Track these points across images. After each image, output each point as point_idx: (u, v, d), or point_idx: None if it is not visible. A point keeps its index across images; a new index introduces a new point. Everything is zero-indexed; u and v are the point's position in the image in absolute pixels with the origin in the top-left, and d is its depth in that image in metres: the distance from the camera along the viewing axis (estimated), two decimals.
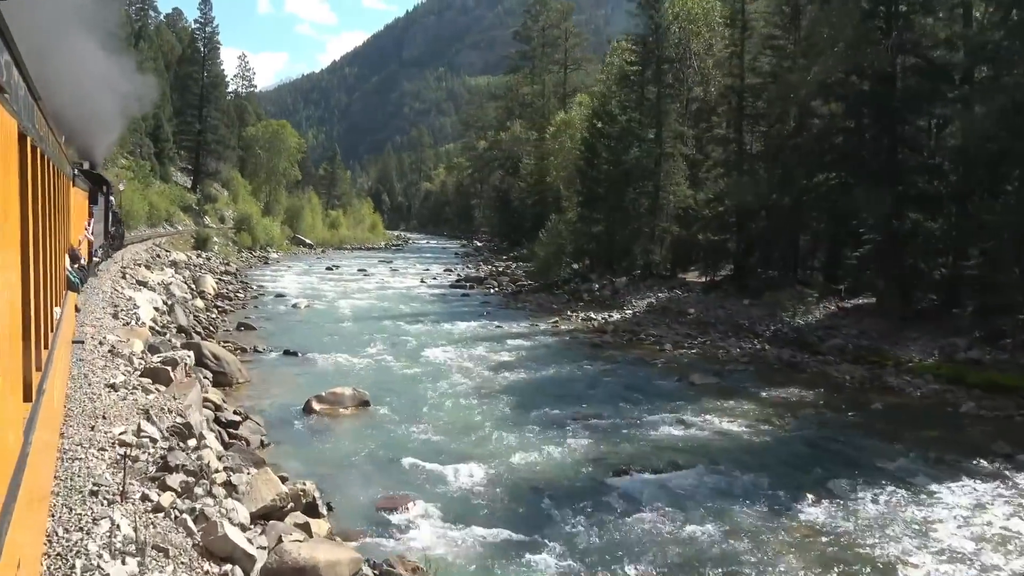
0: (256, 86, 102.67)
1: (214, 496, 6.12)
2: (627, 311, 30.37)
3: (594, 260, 40.11)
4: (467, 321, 27.68)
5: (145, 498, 5.64)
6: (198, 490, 5.97)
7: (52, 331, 5.31)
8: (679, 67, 36.25)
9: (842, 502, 10.62)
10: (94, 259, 19.85)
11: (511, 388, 17.18)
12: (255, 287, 37.57)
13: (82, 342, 11.93)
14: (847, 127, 24.55)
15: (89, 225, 17.51)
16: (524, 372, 19.02)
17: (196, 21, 73.44)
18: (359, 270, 50.56)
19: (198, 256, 44.76)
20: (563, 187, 50.96)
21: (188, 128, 67.92)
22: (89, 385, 9.13)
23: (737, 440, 13.56)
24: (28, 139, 3.48)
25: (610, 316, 29.20)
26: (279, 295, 34.24)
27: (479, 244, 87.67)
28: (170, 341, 16.19)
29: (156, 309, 20.12)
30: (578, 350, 22.85)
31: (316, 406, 14.09)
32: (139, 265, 28.87)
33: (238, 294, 33.62)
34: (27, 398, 3.54)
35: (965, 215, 22.84)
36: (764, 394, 17.28)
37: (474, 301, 35.07)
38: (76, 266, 9.57)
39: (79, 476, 5.83)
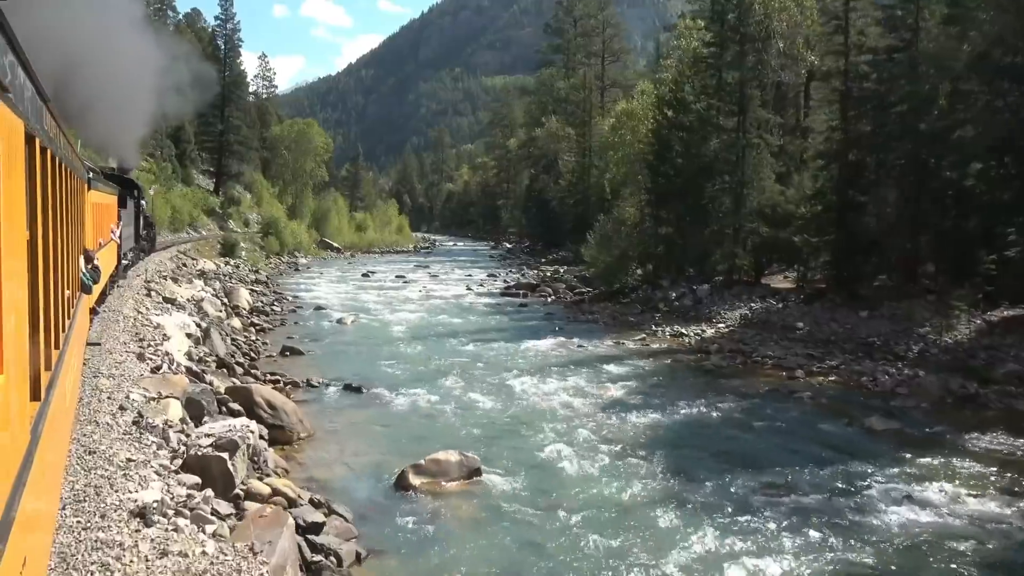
0: (276, 87, 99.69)
1: None
2: (719, 324, 26.44)
3: (659, 264, 36.12)
4: (540, 339, 23.90)
5: None
6: None
7: (63, 331, 5.13)
8: (760, 47, 32.18)
9: None
10: (122, 262, 19.37)
11: (645, 441, 13.34)
12: (290, 298, 34.05)
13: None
14: (1006, 106, 20.45)
15: (117, 228, 16.71)
16: (647, 414, 15.15)
17: (217, 18, 70.67)
18: (397, 276, 46.92)
19: (226, 264, 41.32)
20: (615, 185, 46.91)
21: (210, 129, 64.68)
22: (102, 516, 5.39)
23: (1010, 531, 9.64)
24: (36, 140, 3.43)
25: (703, 331, 25.28)
26: (319, 307, 30.64)
27: (509, 246, 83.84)
28: (211, 384, 12.55)
29: (189, 336, 16.54)
30: (690, 378, 19.00)
31: (414, 480, 10.35)
32: (165, 277, 25.38)
33: (274, 307, 30.09)
34: (35, 397, 3.49)
35: None
36: (970, 445, 13.37)
37: (535, 313, 31.28)
38: (90, 267, 9.08)
39: None
